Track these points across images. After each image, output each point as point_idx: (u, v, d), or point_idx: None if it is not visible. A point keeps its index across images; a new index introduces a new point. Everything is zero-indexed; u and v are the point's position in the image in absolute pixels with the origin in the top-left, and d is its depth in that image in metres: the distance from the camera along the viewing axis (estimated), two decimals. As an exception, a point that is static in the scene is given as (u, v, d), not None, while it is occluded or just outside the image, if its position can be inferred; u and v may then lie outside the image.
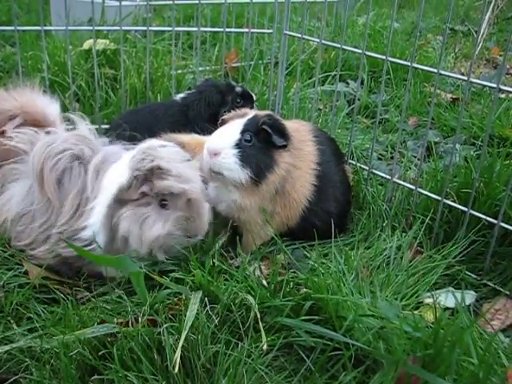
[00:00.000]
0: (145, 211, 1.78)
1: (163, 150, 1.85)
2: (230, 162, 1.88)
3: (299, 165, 2.03)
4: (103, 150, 1.93)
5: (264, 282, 1.72)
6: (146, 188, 1.76)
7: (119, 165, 1.85)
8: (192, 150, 2.19)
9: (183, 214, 1.80)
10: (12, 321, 1.66)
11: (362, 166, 2.46)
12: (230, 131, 1.93)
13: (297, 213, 2.05)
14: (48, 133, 1.99)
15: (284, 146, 1.96)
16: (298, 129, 2.14)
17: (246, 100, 2.65)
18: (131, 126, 2.50)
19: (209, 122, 2.54)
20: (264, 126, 1.93)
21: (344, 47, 2.43)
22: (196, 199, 1.81)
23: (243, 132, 1.92)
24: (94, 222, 1.79)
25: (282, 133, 1.98)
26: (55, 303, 1.76)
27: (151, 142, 1.91)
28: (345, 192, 2.21)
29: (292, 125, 2.15)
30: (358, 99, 3.47)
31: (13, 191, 1.97)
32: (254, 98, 2.71)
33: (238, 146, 1.89)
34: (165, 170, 1.76)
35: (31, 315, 1.69)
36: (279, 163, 1.96)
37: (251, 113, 2.02)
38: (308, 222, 2.06)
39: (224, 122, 2.05)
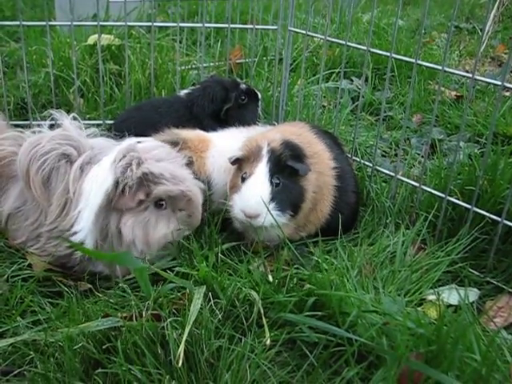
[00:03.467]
0: (145, 215, 1.81)
1: (145, 147, 1.86)
2: (271, 218, 1.87)
3: (320, 169, 2.04)
4: (89, 149, 1.92)
5: (270, 277, 1.72)
6: (142, 195, 1.77)
7: (100, 167, 1.84)
8: (195, 147, 2.19)
9: (185, 213, 1.86)
10: (16, 314, 1.67)
11: (366, 162, 2.47)
12: (259, 184, 1.89)
13: (325, 214, 2.08)
14: (34, 132, 1.99)
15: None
16: (301, 133, 2.14)
17: (251, 97, 2.63)
18: (135, 122, 2.50)
19: (212, 118, 2.54)
20: (289, 163, 1.92)
21: (349, 44, 2.42)
22: (194, 197, 1.85)
23: (271, 178, 1.90)
24: (82, 228, 1.80)
25: (301, 156, 1.97)
26: (59, 296, 1.77)
27: (129, 142, 1.89)
28: (356, 182, 2.25)
29: (292, 129, 2.15)
30: (363, 96, 3.47)
31: (10, 191, 1.99)
32: (260, 95, 2.70)
33: (273, 197, 1.88)
34: (157, 174, 1.78)
35: (35, 308, 1.70)
36: (307, 188, 1.97)
37: (264, 143, 1.96)
38: (333, 218, 2.08)
39: (239, 162, 2.01)
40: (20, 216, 1.94)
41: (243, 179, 1.95)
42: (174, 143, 2.18)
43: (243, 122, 2.47)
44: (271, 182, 1.90)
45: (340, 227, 2.01)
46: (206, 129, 2.40)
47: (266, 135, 2.04)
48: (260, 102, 2.70)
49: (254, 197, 1.87)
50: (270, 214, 1.85)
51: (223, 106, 2.54)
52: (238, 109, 2.58)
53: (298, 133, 2.12)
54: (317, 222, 2.06)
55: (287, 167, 1.92)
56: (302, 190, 1.95)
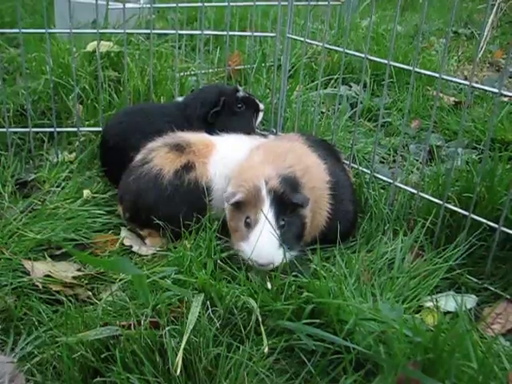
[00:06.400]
0: None
1: None
2: (282, 260, 1.84)
3: (314, 184, 2.02)
4: None
5: (268, 285, 1.72)
6: None
7: None
8: (198, 151, 2.19)
9: None
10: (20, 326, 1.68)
11: (364, 169, 2.47)
12: (267, 233, 1.83)
13: (321, 225, 2.08)
14: None
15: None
16: (295, 147, 2.13)
17: (249, 106, 2.59)
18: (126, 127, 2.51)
19: (202, 121, 2.50)
20: (294, 201, 1.88)
21: (347, 51, 2.43)
22: None
23: (277, 222, 1.87)
24: None
25: (298, 187, 1.94)
26: (58, 304, 1.78)
27: None
28: (353, 191, 2.25)
29: (285, 144, 2.15)
30: (361, 102, 3.49)
31: None
32: (262, 106, 2.63)
33: (281, 244, 1.84)
34: None
35: (33, 317, 1.70)
36: (306, 215, 1.95)
37: (261, 183, 1.90)
38: (330, 227, 2.08)
39: (240, 206, 1.95)
40: None
41: (247, 224, 1.90)
42: (177, 146, 2.19)
43: (234, 130, 2.43)
44: (278, 226, 1.87)
45: (338, 236, 2.01)
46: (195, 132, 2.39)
47: (259, 170, 1.96)
48: (261, 113, 2.64)
49: (266, 248, 1.83)
50: (283, 252, 1.84)
51: (211, 110, 2.51)
52: (232, 115, 2.54)
53: (289, 149, 2.09)
54: (312, 232, 2.05)
55: (290, 205, 1.89)
56: (302, 219, 1.94)
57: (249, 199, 1.91)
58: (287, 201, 1.88)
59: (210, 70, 3.62)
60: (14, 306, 1.73)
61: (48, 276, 1.86)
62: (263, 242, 1.82)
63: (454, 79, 2.24)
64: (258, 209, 1.88)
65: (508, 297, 1.94)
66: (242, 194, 1.92)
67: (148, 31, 2.79)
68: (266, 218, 1.85)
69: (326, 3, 2.70)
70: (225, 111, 2.52)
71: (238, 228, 1.94)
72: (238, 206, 1.95)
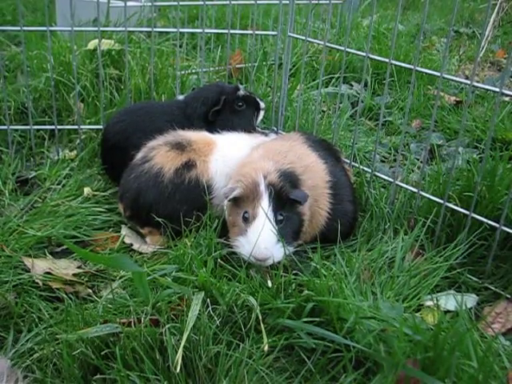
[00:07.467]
0: None
1: None
2: (281, 256, 1.84)
3: (314, 183, 2.02)
4: None
5: (269, 283, 1.72)
6: None
7: None
8: (199, 150, 2.20)
9: None
10: (20, 323, 1.68)
11: (365, 168, 2.47)
12: (265, 228, 1.83)
13: (320, 225, 2.07)
14: None
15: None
16: (295, 147, 2.13)
17: (250, 105, 2.60)
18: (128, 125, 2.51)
19: (203, 120, 2.51)
20: (292, 197, 1.87)
21: (348, 50, 2.43)
22: None
23: (275, 217, 1.86)
24: None
25: (297, 183, 1.95)
26: (58, 301, 1.78)
27: None
28: (353, 191, 2.24)
29: (285, 143, 2.15)
30: (362, 101, 3.49)
31: None
32: (263, 105, 2.64)
33: (278, 239, 1.84)
34: None
35: (34, 314, 1.70)
36: (304, 212, 1.95)
37: (260, 178, 1.90)
38: (330, 227, 2.08)
39: (238, 201, 1.94)
40: None
41: (245, 219, 1.90)
42: (178, 145, 2.19)
43: (235, 128, 2.43)
44: (276, 221, 1.86)
45: (338, 236, 2.01)
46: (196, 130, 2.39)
47: (257, 165, 1.97)
48: (261, 111, 2.65)
49: (263, 243, 1.82)
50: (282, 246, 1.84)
51: (211, 108, 2.51)
52: (233, 114, 2.55)
53: (289, 148, 2.09)
54: (312, 232, 2.05)
55: (289, 200, 1.89)
56: (300, 216, 1.94)
57: (247, 194, 1.91)
58: (285, 196, 1.88)
59: (211, 69, 3.62)
60: (14, 303, 1.73)
61: (48, 273, 1.86)
62: (261, 237, 1.82)
63: (455, 78, 2.23)
64: (256, 203, 1.88)
65: (508, 296, 1.94)
66: (240, 189, 1.92)
67: (149, 29, 2.79)
68: (265, 212, 1.85)
69: (327, 2, 2.70)
70: (225, 110, 2.52)
71: (236, 223, 1.94)
72: (236, 200, 1.95)
